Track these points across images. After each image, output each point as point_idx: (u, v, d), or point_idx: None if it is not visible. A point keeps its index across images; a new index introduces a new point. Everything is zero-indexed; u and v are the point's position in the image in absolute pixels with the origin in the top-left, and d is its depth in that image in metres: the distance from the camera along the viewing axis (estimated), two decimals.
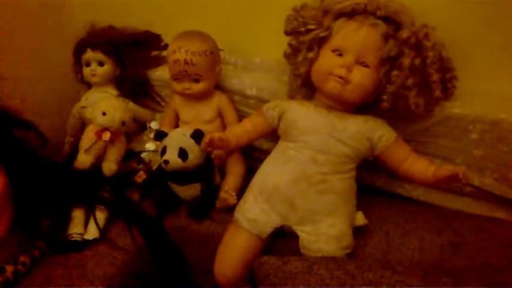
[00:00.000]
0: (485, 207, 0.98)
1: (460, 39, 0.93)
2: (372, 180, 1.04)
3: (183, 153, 0.91)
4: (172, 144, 0.92)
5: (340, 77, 0.85)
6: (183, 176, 0.94)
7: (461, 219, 0.94)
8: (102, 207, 0.96)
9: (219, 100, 1.05)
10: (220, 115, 1.06)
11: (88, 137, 0.99)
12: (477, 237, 0.88)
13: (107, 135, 0.98)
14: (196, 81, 1.00)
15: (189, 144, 0.92)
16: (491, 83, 0.96)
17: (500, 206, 0.97)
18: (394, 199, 1.01)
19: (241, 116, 1.09)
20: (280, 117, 0.94)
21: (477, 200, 0.99)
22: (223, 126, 1.07)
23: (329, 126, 0.88)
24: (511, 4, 0.90)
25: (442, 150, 0.97)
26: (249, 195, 0.91)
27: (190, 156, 0.92)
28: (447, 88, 0.92)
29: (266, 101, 1.02)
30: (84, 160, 0.98)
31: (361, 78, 0.85)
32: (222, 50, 1.10)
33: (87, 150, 0.98)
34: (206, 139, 0.91)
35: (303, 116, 0.91)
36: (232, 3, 1.12)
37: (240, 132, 0.97)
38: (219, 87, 1.09)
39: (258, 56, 1.13)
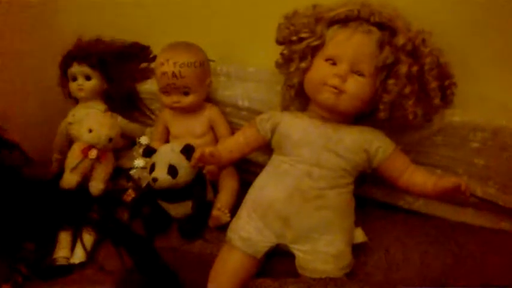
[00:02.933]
0: (489, 219, 0.94)
1: (458, 44, 0.90)
2: (370, 192, 1.00)
3: (172, 170, 0.87)
4: (161, 160, 0.88)
5: (335, 87, 0.81)
6: (174, 193, 0.90)
7: (465, 232, 0.90)
8: (89, 228, 0.92)
9: (210, 113, 1.02)
10: (212, 128, 1.03)
11: (74, 155, 0.95)
12: (481, 251, 0.85)
13: (93, 153, 0.94)
14: (186, 94, 0.97)
15: (179, 160, 0.88)
16: (491, 89, 0.92)
17: (505, 217, 0.93)
18: (394, 212, 0.97)
19: (233, 129, 1.05)
20: (273, 130, 0.90)
21: (480, 211, 0.95)
22: (216, 140, 1.03)
23: (324, 138, 0.84)
24: (510, 7, 0.86)
25: (442, 160, 0.94)
26: (243, 212, 0.87)
27: (181, 173, 0.88)
28: (446, 95, 0.88)
29: (259, 113, 0.98)
30: (69, 179, 0.94)
31: (356, 87, 0.81)
32: (213, 60, 1.07)
33: (73, 169, 0.94)
34: (196, 154, 0.87)
35: (297, 128, 0.87)
36: (225, 11, 1.08)
37: (232, 145, 0.93)
38: (210, 99, 1.05)
39: (251, 65, 1.09)
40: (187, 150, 0.89)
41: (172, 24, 1.15)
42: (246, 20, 1.06)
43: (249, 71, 1.08)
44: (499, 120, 0.88)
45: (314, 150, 0.84)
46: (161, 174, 0.87)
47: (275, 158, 0.90)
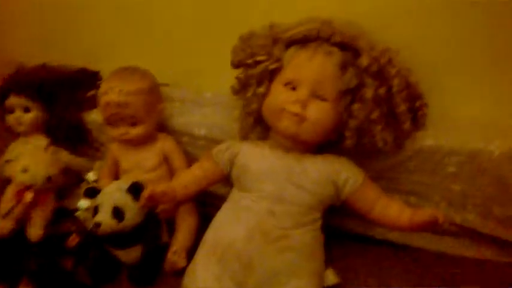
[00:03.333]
0: (469, 247, 0.88)
1: (426, 61, 0.84)
2: (341, 223, 0.91)
3: (118, 213, 0.77)
4: (106, 202, 0.78)
5: (295, 114, 0.73)
6: (122, 237, 0.80)
7: (444, 263, 0.84)
8: (27, 280, 0.81)
9: (163, 144, 0.93)
10: (166, 160, 0.93)
11: (7, 198, 0.84)
12: (463, 282, 0.79)
13: (28, 196, 0.84)
14: (133, 124, 0.88)
15: (126, 201, 0.79)
16: (464, 108, 0.87)
17: (487, 244, 0.87)
18: (368, 243, 0.89)
19: (191, 159, 0.96)
20: (232, 162, 0.82)
21: (460, 240, 0.89)
22: (171, 173, 0.94)
23: (286, 171, 0.76)
24: (482, 20, 0.80)
25: (416, 187, 0.87)
26: (200, 256, 0.77)
27: (128, 215, 0.78)
28: (417, 118, 0.82)
29: (218, 141, 0.90)
30: (2, 226, 0.83)
31: (318, 114, 0.73)
32: (166, 85, 0.98)
33: (5, 215, 0.83)
34: (146, 193, 0.78)
35: (257, 159, 0.79)
36: (179, 33, 1.00)
37: (188, 180, 0.84)
38: (163, 128, 0.96)
39: (208, 90, 1.01)
40: (136, 189, 0.80)
41: (123, 48, 1.08)
42: (201, 41, 0.99)
43: (206, 96, 1.00)
44: (475, 143, 0.82)
45: (276, 184, 0.75)
46: (105, 218, 0.77)
47: (235, 193, 0.81)
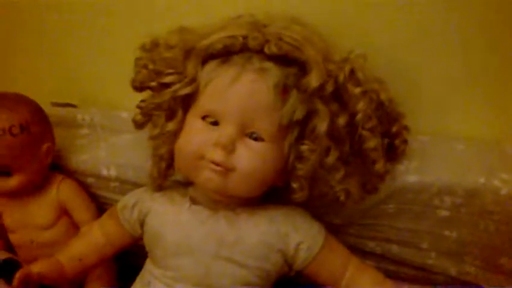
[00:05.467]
0: None
1: (407, 68, 0.63)
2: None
3: None
4: None
5: (217, 164, 0.50)
6: None
7: None
8: None
9: (60, 191, 0.69)
10: (67, 212, 0.70)
11: None
12: None
13: None
14: (7, 174, 0.64)
15: None
16: (460, 128, 0.64)
17: None
18: None
19: (104, 204, 0.73)
20: (142, 222, 0.59)
21: None
22: (76, 227, 0.70)
23: (214, 241, 0.54)
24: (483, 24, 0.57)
25: (399, 234, 0.66)
26: None
27: None
28: (395, 147, 0.59)
29: (134, 183, 0.68)
30: None
31: (249, 161, 0.50)
32: (73, 106, 0.75)
33: None
34: (20, 275, 0.55)
35: (173, 224, 0.56)
36: (85, 39, 0.77)
37: (83, 251, 0.62)
38: (62, 166, 0.72)
39: (125, 109, 0.77)
40: (7, 269, 0.58)
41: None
42: (113, 51, 0.76)
43: (122, 117, 0.76)
44: (473, 175, 0.60)
45: (199, 261, 0.54)
46: None
47: (146, 267, 0.59)
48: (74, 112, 0.78)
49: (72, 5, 0.74)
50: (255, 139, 0.51)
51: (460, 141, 0.63)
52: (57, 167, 0.72)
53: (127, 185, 0.70)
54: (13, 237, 0.70)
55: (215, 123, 0.52)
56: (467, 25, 0.61)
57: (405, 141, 0.60)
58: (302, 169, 0.52)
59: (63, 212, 0.70)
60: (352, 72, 0.52)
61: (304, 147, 0.51)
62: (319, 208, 0.60)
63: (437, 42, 0.63)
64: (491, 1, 0.59)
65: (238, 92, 0.50)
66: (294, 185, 0.53)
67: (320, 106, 0.51)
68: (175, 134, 0.55)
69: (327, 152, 0.52)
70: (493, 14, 0.59)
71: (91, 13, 0.73)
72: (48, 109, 0.72)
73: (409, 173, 0.61)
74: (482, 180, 0.59)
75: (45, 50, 0.79)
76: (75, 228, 0.71)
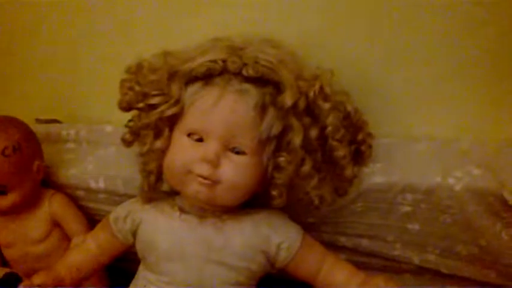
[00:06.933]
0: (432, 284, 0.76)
1: (368, 78, 0.69)
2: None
3: None
4: None
5: (205, 178, 0.55)
6: None
7: None
8: None
9: (51, 205, 0.73)
10: (58, 225, 0.74)
11: None
12: None
13: None
14: (2, 193, 0.67)
15: None
16: (416, 128, 0.72)
17: (451, 281, 0.75)
18: None
19: (94, 215, 0.77)
20: (134, 232, 0.63)
21: (420, 277, 0.76)
22: (67, 238, 0.74)
23: (204, 246, 0.59)
24: (441, 30, 0.64)
25: (367, 229, 0.73)
26: None
27: None
28: (361, 153, 0.66)
29: (123, 195, 0.73)
30: None
31: (234, 174, 0.56)
32: (58, 121, 0.78)
33: None
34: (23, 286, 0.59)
35: (164, 231, 0.61)
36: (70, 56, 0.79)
37: (79, 261, 0.66)
38: (50, 182, 0.76)
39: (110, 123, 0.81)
40: (9, 283, 0.61)
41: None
42: (99, 67, 0.79)
43: (107, 131, 0.80)
44: (432, 175, 0.67)
45: (192, 265, 0.59)
46: None
47: (140, 273, 0.64)
48: (59, 128, 0.81)
49: (56, 26, 0.76)
50: (237, 153, 0.56)
51: (420, 143, 0.70)
52: (47, 182, 0.75)
53: (115, 196, 0.74)
54: (8, 252, 0.74)
55: (200, 140, 0.57)
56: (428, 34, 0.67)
57: (370, 147, 0.66)
58: (280, 178, 0.58)
59: (55, 224, 0.74)
60: (321, 88, 0.58)
61: (281, 159, 0.57)
62: (295, 210, 0.66)
63: (397, 52, 0.69)
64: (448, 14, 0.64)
65: (221, 112, 0.55)
66: (274, 192, 0.59)
67: (294, 121, 0.57)
68: (163, 150, 0.60)
69: (302, 162, 0.58)
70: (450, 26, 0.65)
71: (75, 34, 0.76)
72: (33, 126, 0.75)
73: (374, 175, 0.68)
74: (438, 179, 0.66)
75: (30, 70, 0.81)
76: (66, 239, 0.75)
